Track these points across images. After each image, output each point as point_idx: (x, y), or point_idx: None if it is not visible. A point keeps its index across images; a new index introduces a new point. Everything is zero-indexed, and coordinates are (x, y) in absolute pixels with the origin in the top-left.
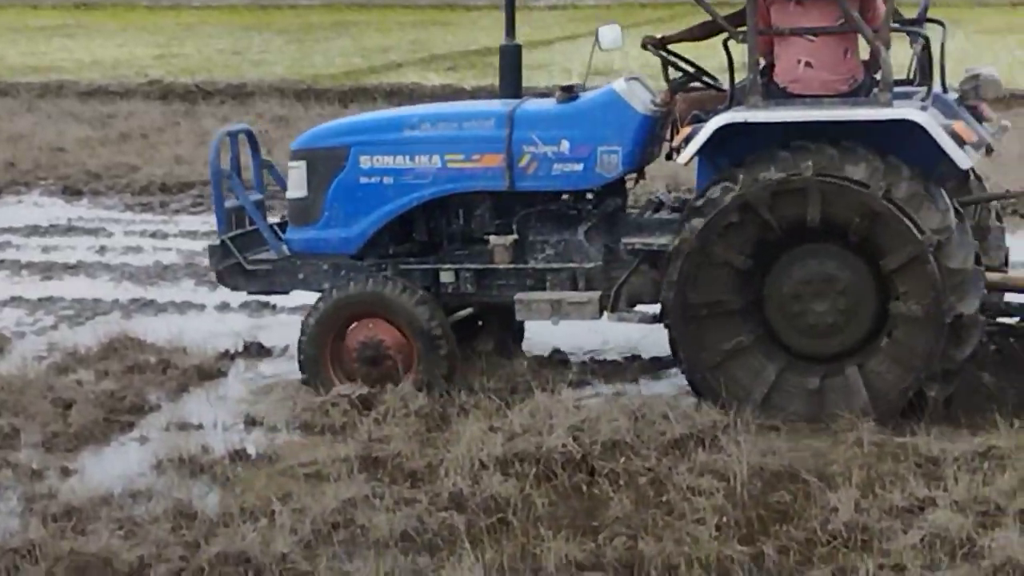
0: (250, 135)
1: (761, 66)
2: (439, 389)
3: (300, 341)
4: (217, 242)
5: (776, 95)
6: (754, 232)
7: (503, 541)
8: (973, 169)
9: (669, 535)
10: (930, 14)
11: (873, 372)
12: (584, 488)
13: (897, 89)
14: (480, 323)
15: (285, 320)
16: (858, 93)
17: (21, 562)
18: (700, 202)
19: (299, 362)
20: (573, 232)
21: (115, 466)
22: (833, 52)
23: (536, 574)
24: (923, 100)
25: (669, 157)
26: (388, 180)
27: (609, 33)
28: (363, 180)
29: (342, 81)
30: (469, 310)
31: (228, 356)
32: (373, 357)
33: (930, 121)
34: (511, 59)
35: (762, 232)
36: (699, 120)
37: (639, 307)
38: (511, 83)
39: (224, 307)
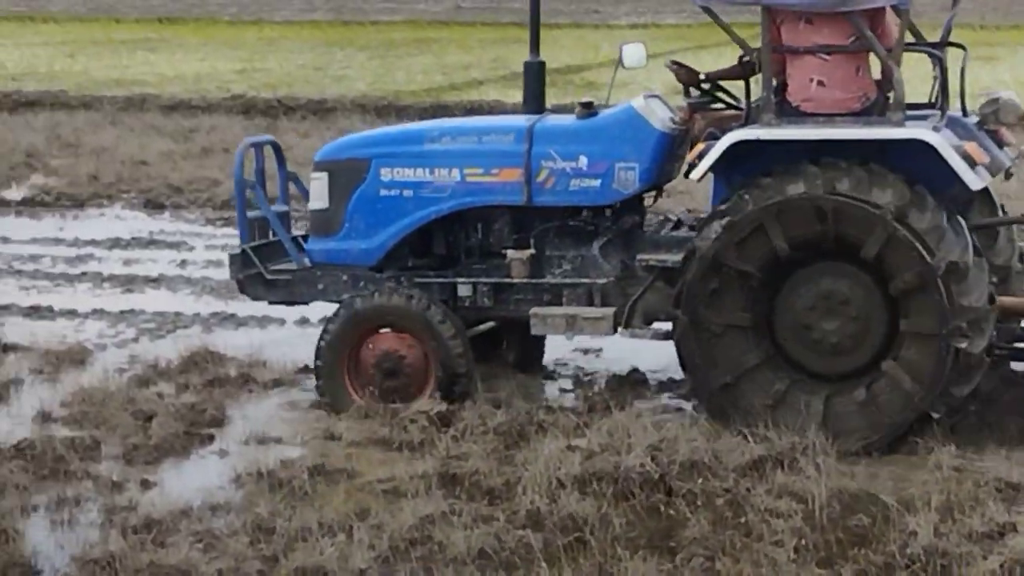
0: (276, 147)
1: (775, 85)
2: (455, 403)
3: (317, 350)
4: (237, 251)
5: (789, 113)
6: (764, 250)
7: (580, 560)
8: (991, 194)
9: (747, 557)
10: (954, 37)
11: (879, 393)
12: (662, 508)
13: (914, 112)
14: (504, 337)
15: None
16: (871, 112)
17: (101, 573)
18: (713, 218)
19: (315, 372)
20: (589, 248)
21: (195, 479)
22: (845, 71)
23: None
24: (937, 121)
25: (687, 175)
26: (408, 193)
27: (634, 52)
28: (383, 192)
29: (423, 98)
30: (490, 324)
31: (308, 370)
32: (391, 370)
33: (941, 141)
34: (535, 75)
35: (773, 249)
36: (714, 137)
37: (654, 324)
38: (535, 99)
39: (303, 321)
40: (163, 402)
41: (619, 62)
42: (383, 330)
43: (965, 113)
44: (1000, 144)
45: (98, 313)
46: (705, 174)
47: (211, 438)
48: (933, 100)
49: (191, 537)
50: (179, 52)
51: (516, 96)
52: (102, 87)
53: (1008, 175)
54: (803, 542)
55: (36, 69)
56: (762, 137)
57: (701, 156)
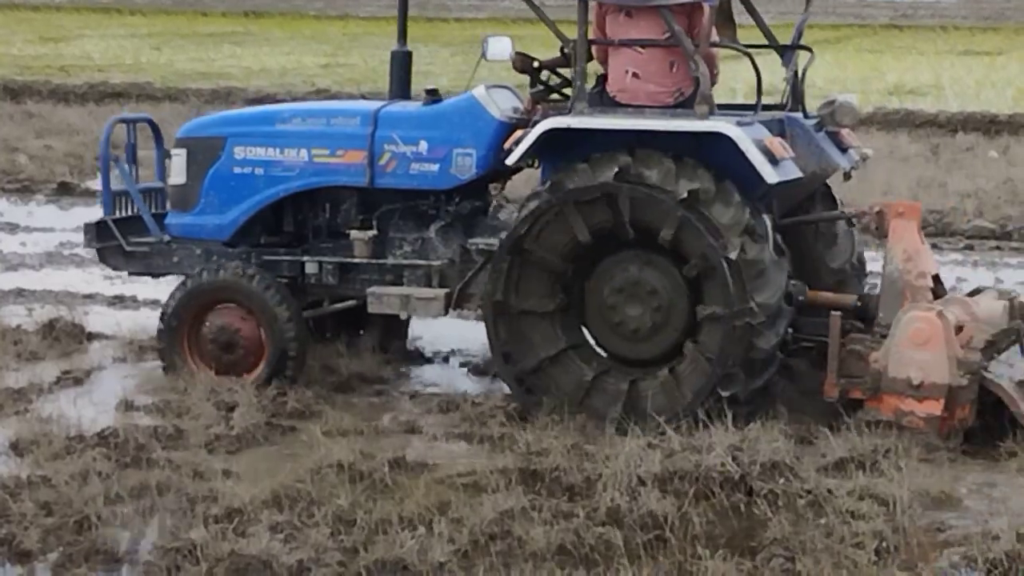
0: (153, 125)
1: (599, 76)
2: (288, 378)
3: (159, 326)
4: (93, 221)
5: (608, 103)
6: (567, 237)
7: (660, 558)
8: (832, 193)
9: (827, 558)
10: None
11: (683, 372)
12: (742, 508)
13: (746, 112)
14: (366, 318)
15: (445, 329)
16: (686, 106)
17: (182, 562)
18: (522, 205)
19: (158, 348)
20: (429, 230)
21: (276, 469)
22: (660, 64)
23: None
24: (750, 117)
25: (503, 160)
26: (259, 171)
27: (496, 44)
28: (236, 170)
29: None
30: (351, 302)
31: (390, 364)
32: (227, 343)
33: (740, 135)
34: (400, 64)
35: (574, 238)
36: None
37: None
38: (400, 87)
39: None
40: (246, 393)
41: (482, 54)
42: (222, 305)
43: (806, 115)
44: (841, 146)
45: None
46: (520, 160)
47: (292, 429)
48: (784, 101)
49: (272, 527)
50: (265, 46)
51: None
52: (187, 79)
53: (847, 176)
54: (884, 544)
55: (122, 60)
56: (572, 126)
57: (517, 142)
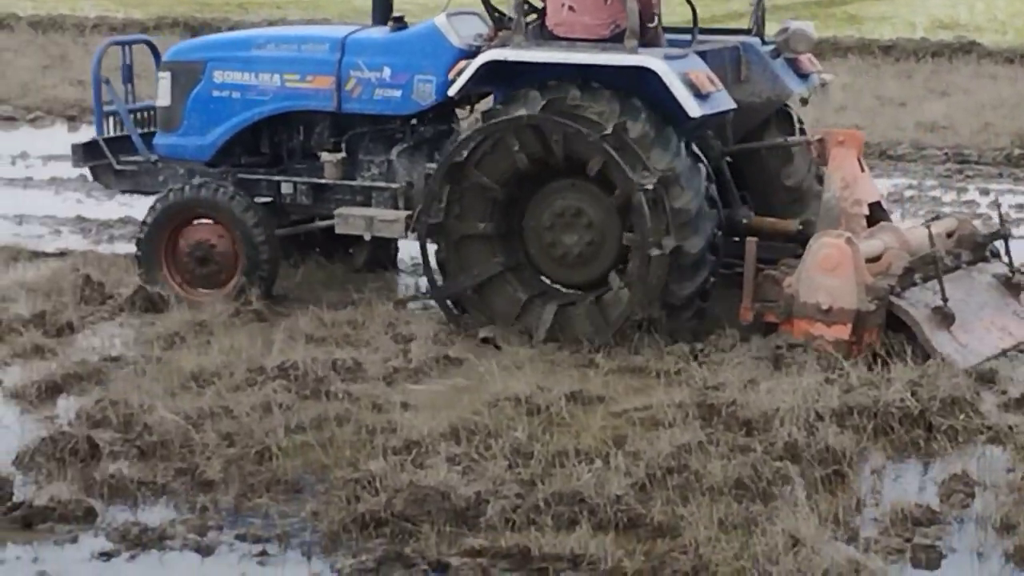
0: (152, 47)
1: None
2: (262, 290)
3: (138, 239)
4: (81, 142)
5: (549, 36)
6: (505, 163)
7: (838, 493)
8: (791, 116)
9: (1006, 492)
10: None
11: (609, 299)
12: (921, 444)
13: (712, 37)
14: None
15: None
16: (620, 38)
17: (361, 492)
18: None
19: (136, 258)
20: (392, 153)
21: (454, 402)
22: None
23: (871, 525)
24: (682, 48)
25: (447, 90)
26: (236, 95)
27: None
28: (215, 93)
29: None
30: (330, 222)
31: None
32: (202, 257)
33: (665, 69)
34: None
35: (512, 164)
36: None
37: None
38: (381, 12)
39: None
40: (423, 326)
41: None
42: (197, 221)
43: (763, 41)
44: (800, 72)
45: None
46: (461, 90)
47: (468, 361)
48: (750, 27)
49: (449, 459)
50: None
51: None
52: (364, 14)
53: (804, 101)
54: None
55: None
56: (507, 58)
57: (460, 73)
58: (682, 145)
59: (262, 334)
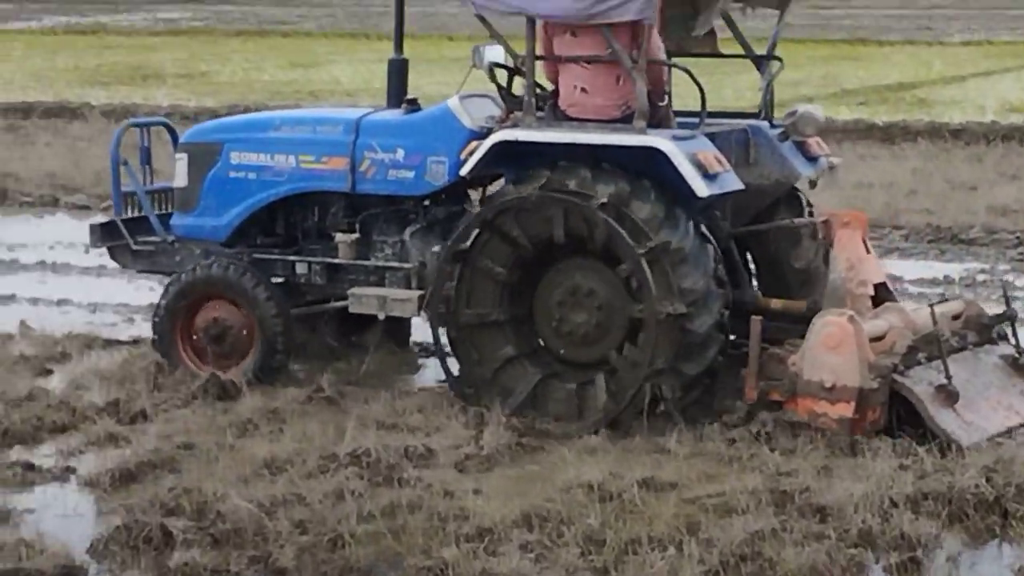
0: (169, 129)
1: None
2: (275, 370)
3: (154, 320)
4: (98, 221)
5: (560, 118)
6: (509, 247)
7: None
8: (800, 198)
9: None
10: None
11: (619, 375)
12: (997, 530)
13: (723, 120)
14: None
15: None
16: (631, 119)
17: None
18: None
19: (152, 341)
20: (405, 234)
21: (525, 489)
22: (605, 80)
23: None
24: (691, 130)
25: (458, 170)
26: (252, 175)
27: (489, 53)
28: (232, 174)
29: None
30: (344, 303)
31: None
32: (217, 336)
33: (673, 149)
34: (396, 72)
35: (515, 247)
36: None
37: None
38: (396, 95)
39: None
40: (495, 413)
41: (473, 63)
42: (212, 301)
43: (772, 124)
44: (808, 155)
45: None
46: (472, 171)
47: (542, 448)
48: (760, 110)
49: (522, 547)
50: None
51: (846, 113)
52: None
53: (812, 184)
54: None
55: (371, 85)
56: (518, 138)
57: (472, 153)
58: (691, 225)
59: (334, 421)
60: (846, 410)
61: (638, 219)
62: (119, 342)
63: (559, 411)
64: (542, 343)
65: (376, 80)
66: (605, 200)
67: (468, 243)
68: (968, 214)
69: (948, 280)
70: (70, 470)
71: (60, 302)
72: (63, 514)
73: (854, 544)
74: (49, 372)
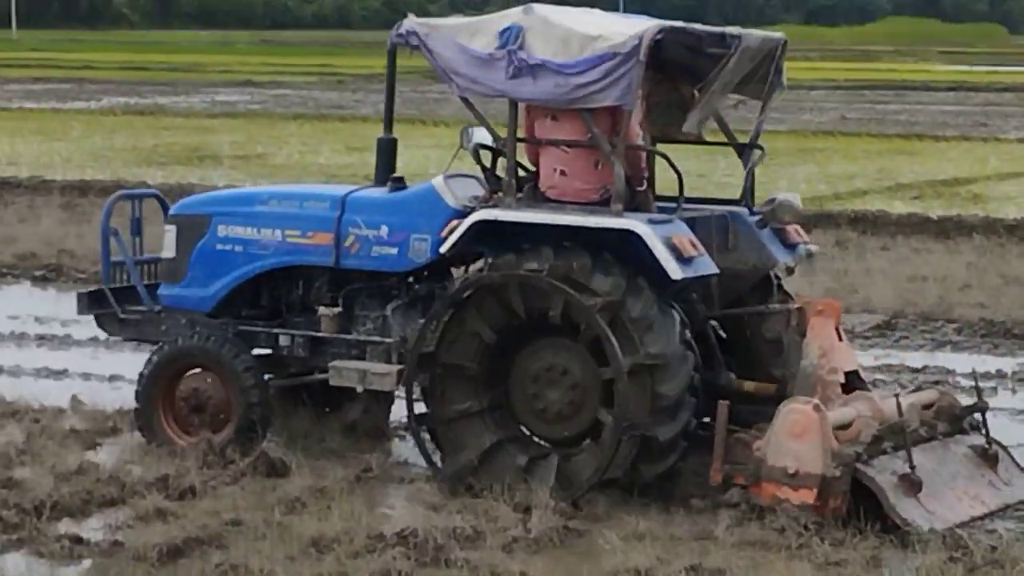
0: (160, 200)
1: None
2: (255, 442)
3: (136, 391)
4: (86, 291)
5: (541, 199)
6: (470, 337)
7: None
8: (773, 282)
9: None
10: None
11: (576, 462)
12: None
13: (698, 206)
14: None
15: None
16: (609, 203)
17: None
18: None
19: (134, 412)
20: (387, 309)
21: (572, 573)
22: (585, 163)
23: None
24: (668, 215)
25: (438, 248)
26: (239, 248)
27: (477, 134)
28: (219, 247)
29: (806, 206)
30: (325, 375)
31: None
32: (197, 406)
33: (648, 232)
34: (385, 150)
35: (477, 336)
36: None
37: None
38: (384, 172)
39: None
40: (542, 496)
41: (461, 144)
42: (193, 371)
43: (751, 210)
44: (787, 242)
45: None
46: (452, 248)
47: (589, 533)
48: (741, 197)
49: None
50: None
51: (901, 207)
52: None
53: (790, 271)
54: None
55: (425, 170)
56: (497, 218)
57: (452, 231)
58: (678, 330)
59: (382, 500)
60: (808, 496)
61: (628, 319)
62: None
63: (548, 486)
64: (521, 429)
65: (432, 165)
66: (612, 304)
67: (434, 344)
68: (1022, 309)
69: (1000, 374)
70: (118, 544)
71: (112, 377)
72: None
73: None
74: (99, 446)
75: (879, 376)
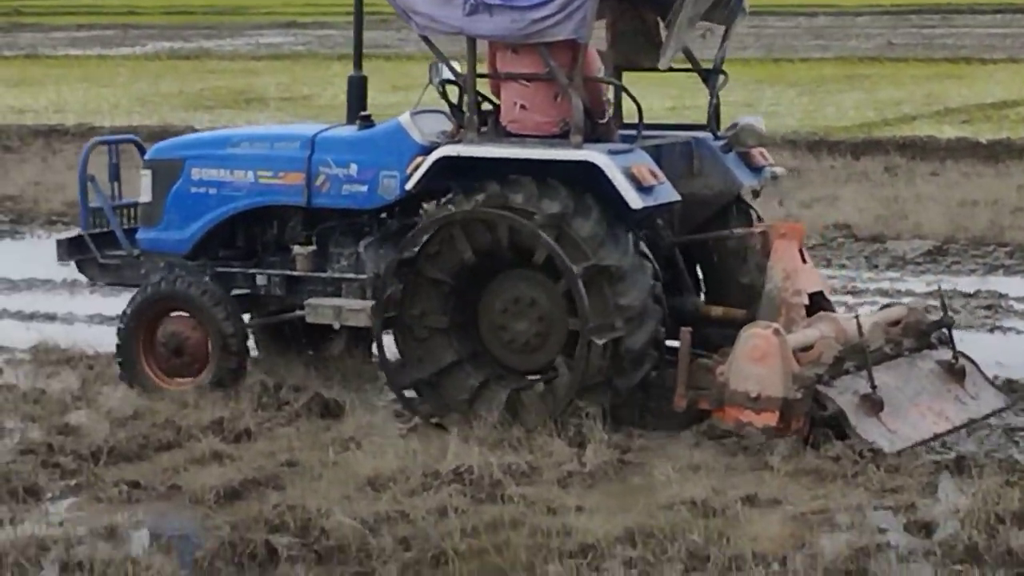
0: (139, 146)
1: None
2: (231, 382)
3: (118, 331)
4: (65, 237)
5: (502, 134)
6: (454, 258)
7: None
8: (748, 209)
9: None
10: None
11: (555, 385)
12: None
13: (663, 132)
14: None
15: None
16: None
17: None
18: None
19: (116, 354)
20: (360, 246)
21: (629, 506)
22: (544, 97)
23: None
24: (628, 144)
25: (404, 185)
26: (213, 191)
27: (446, 71)
28: (193, 190)
29: (855, 133)
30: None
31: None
32: (176, 348)
33: (607, 163)
34: (356, 89)
35: (459, 258)
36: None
37: None
38: (355, 111)
39: None
40: (597, 429)
41: (429, 80)
42: (172, 313)
43: (716, 136)
44: (752, 166)
45: None
46: (417, 185)
47: (644, 465)
48: (709, 123)
49: (625, 563)
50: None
51: (949, 131)
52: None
53: (756, 194)
54: None
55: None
56: (460, 154)
57: (417, 168)
58: (631, 243)
59: (437, 438)
60: (770, 419)
61: (579, 237)
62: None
63: (493, 415)
64: (484, 349)
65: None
66: (547, 217)
67: (415, 252)
68: None
69: None
70: (175, 488)
71: None
72: (168, 531)
73: (960, 560)
74: (154, 391)
75: (931, 302)
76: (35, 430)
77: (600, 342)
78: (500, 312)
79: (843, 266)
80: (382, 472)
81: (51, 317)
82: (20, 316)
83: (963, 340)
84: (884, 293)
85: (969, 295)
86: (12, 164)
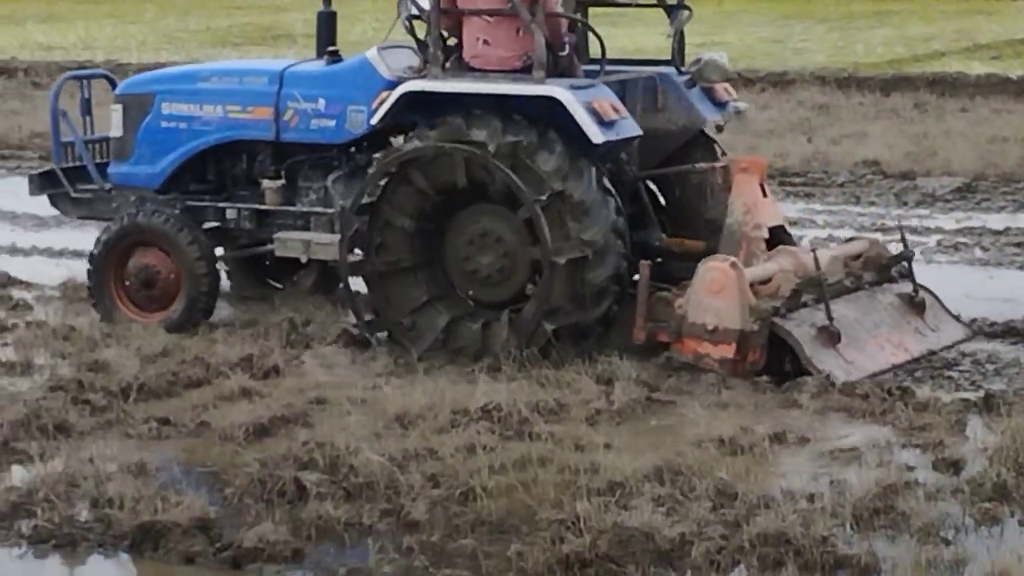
0: (110, 80)
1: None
2: (200, 316)
3: (89, 263)
4: (37, 171)
5: (465, 68)
6: (415, 196)
7: None
8: (714, 144)
9: None
10: None
11: (523, 314)
12: None
13: (625, 68)
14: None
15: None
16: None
17: (566, 533)
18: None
19: (87, 289)
20: (328, 180)
21: (657, 443)
22: (507, 32)
23: None
24: (591, 79)
25: (369, 120)
26: (183, 125)
27: (414, 6)
28: (164, 124)
29: (884, 69)
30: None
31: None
32: (146, 281)
33: (569, 97)
34: (325, 24)
35: (422, 196)
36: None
37: None
38: (324, 46)
39: None
40: (624, 366)
41: (398, 15)
42: (144, 246)
43: (680, 71)
44: (716, 101)
45: None
46: (382, 120)
47: (672, 403)
48: (672, 57)
49: (654, 500)
50: (639, 27)
51: (978, 68)
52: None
53: (719, 129)
54: None
55: None
56: (424, 89)
57: (382, 103)
58: (594, 178)
59: (465, 376)
60: (727, 351)
61: (542, 171)
62: (250, 298)
63: (466, 350)
64: (451, 286)
65: None
66: (495, 148)
67: (376, 195)
68: None
69: None
70: (204, 424)
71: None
72: (198, 468)
73: (988, 498)
74: (182, 328)
75: (960, 239)
76: (65, 367)
77: (561, 261)
78: (465, 246)
79: (872, 203)
80: (410, 409)
81: (80, 254)
82: (49, 253)
83: (993, 277)
84: (913, 231)
85: (999, 232)
86: (41, 101)
